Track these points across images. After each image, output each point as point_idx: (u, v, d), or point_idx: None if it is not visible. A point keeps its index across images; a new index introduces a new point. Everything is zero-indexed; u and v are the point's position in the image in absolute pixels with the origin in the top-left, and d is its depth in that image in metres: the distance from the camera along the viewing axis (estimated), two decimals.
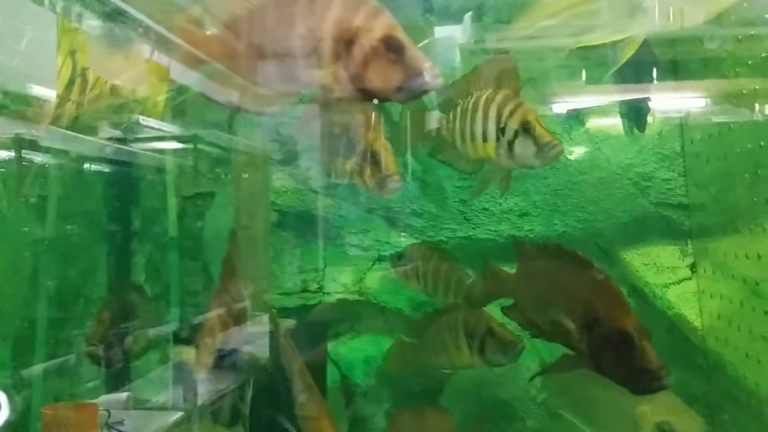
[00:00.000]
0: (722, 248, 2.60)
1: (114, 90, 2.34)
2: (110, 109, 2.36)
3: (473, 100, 1.93)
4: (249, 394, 2.50)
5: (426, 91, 1.39)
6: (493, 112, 1.82)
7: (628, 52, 1.81)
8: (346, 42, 1.40)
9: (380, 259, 2.98)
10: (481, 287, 2.38)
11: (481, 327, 2.33)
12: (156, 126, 2.49)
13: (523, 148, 1.74)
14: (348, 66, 1.40)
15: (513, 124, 1.76)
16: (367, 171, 1.94)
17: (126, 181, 2.93)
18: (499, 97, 1.85)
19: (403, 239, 2.95)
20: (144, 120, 2.42)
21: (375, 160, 1.95)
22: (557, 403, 2.64)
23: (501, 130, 1.79)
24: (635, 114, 2.79)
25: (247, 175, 2.91)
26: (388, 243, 2.97)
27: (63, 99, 2.10)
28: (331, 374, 2.93)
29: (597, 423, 2.35)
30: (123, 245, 2.98)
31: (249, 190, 2.89)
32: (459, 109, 2.02)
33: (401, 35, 1.40)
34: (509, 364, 2.38)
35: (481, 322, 2.34)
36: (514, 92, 1.85)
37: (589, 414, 2.41)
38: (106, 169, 2.78)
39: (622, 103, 2.88)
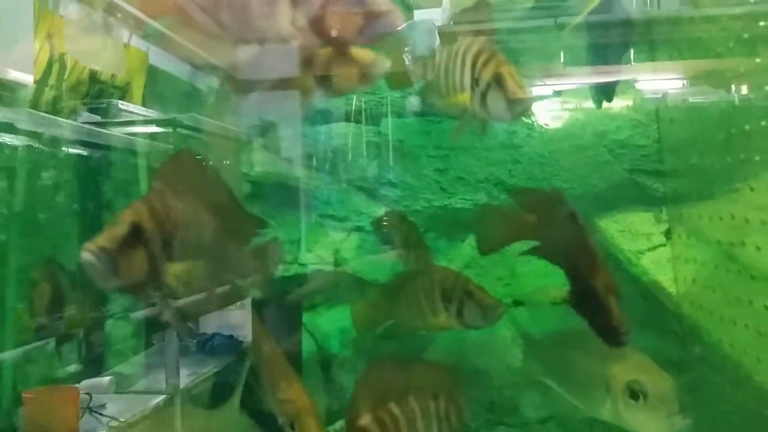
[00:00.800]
0: (697, 213, 2.60)
1: (93, 75, 2.35)
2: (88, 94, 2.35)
3: (455, 46, 1.89)
4: (243, 372, 2.46)
5: (387, 34, 1.37)
6: (468, 62, 1.80)
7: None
8: None
9: (356, 229, 2.96)
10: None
11: (458, 289, 2.29)
12: (134, 110, 2.47)
13: (494, 101, 1.72)
14: (307, 11, 1.37)
15: (486, 76, 1.73)
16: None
17: (103, 164, 2.89)
18: (475, 48, 1.82)
19: (379, 209, 2.93)
20: (123, 104, 2.41)
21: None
22: (537, 370, 2.63)
23: (475, 81, 1.76)
24: (603, 85, 2.79)
25: (227, 162, 2.89)
26: (363, 213, 2.95)
27: (41, 84, 2.09)
28: (307, 345, 2.91)
29: (573, 387, 2.35)
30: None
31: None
32: (445, 53, 1.99)
33: None
34: (488, 326, 2.35)
35: (459, 284, 2.31)
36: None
37: (566, 379, 2.41)
38: (83, 151, 2.73)
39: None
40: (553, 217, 2.15)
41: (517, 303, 2.89)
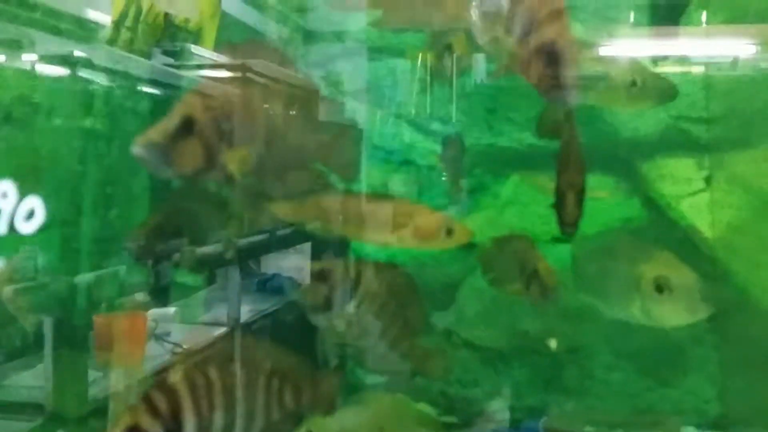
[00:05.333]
0: (738, 160, 2.67)
1: (167, 18, 2.43)
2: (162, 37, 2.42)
3: None
4: None
5: None
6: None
7: None
8: None
9: (406, 162, 3.11)
10: None
11: (529, 264, 2.36)
12: (206, 54, 2.54)
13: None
14: None
15: None
16: None
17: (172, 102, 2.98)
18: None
19: (428, 144, 3.07)
20: (195, 48, 2.48)
21: None
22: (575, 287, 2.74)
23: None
24: None
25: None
26: (414, 147, 3.09)
27: (118, 24, 2.19)
28: None
29: (609, 297, 2.44)
30: None
31: None
32: None
33: None
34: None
35: (530, 259, 2.38)
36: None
37: (602, 291, 2.50)
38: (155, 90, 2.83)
39: None
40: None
41: (557, 240, 3.01)
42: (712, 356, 2.90)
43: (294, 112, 1.84)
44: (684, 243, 2.91)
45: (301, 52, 3.08)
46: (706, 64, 2.88)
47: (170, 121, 1.51)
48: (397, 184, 3.10)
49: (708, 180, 2.89)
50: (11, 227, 1.64)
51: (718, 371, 2.89)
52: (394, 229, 2.24)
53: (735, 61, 2.68)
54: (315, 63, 3.09)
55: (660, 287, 2.14)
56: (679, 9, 2.78)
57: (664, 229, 2.93)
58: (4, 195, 1.62)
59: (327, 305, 2.07)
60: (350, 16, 3.06)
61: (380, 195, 2.58)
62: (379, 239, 2.29)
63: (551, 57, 1.52)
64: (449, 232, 2.22)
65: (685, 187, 2.90)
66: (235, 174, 1.59)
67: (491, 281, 2.69)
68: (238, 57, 1.82)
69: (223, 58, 2.57)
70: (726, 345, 2.85)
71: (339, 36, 3.08)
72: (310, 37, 3.09)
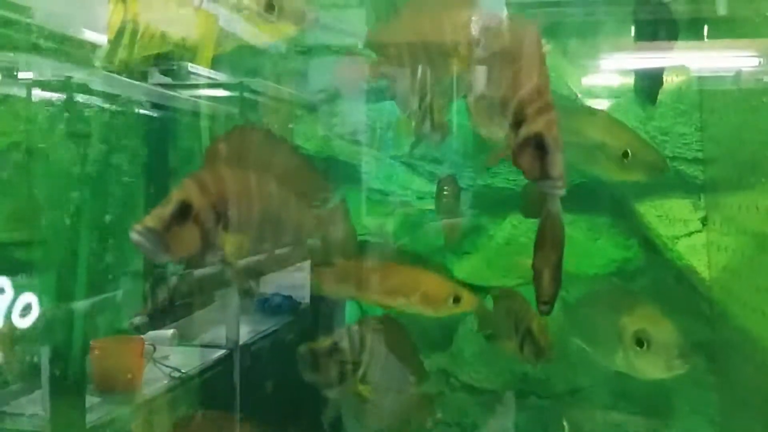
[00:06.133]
0: (733, 202, 2.68)
1: (164, 37, 2.39)
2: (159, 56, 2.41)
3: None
4: None
5: None
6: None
7: None
8: None
9: (402, 204, 3.10)
10: None
11: (523, 323, 2.41)
12: (203, 73, 2.55)
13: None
14: None
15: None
16: None
17: (170, 125, 2.98)
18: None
19: (424, 185, 3.07)
20: (192, 67, 2.48)
21: None
22: (568, 331, 2.74)
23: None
24: (648, 87, 2.86)
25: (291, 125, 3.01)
26: (409, 189, 3.09)
27: (114, 44, 2.19)
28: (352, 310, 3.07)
29: (596, 343, 2.53)
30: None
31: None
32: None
33: None
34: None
35: (526, 318, 2.41)
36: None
37: (590, 337, 2.59)
38: (152, 113, 2.79)
39: (636, 76, 2.93)
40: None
41: None
42: (711, 398, 2.89)
43: (289, 191, 1.87)
44: (681, 283, 2.91)
45: (298, 66, 3.08)
46: (701, 105, 2.90)
47: (167, 207, 1.54)
48: (393, 225, 3.09)
49: (704, 221, 2.90)
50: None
51: (717, 413, 2.88)
52: (402, 296, 2.29)
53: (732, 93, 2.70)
54: (311, 104, 3.10)
55: (641, 341, 2.18)
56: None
57: (661, 270, 2.93)
58: (2, 291, 1.61)
59: (341, 378, 2.11)
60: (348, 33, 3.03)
61: (389, 261, 2.62)
62: (387, 304, 2.33)
63: (540, 150, 1.59)
64: (456, 299, 2.27)
65: (682, 228, 2.90)
66: (231, 259, 1.62)
67: (487, 338, 2.70)
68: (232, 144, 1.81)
69: (220, 76, 2.61)
70: (725, 387, 2.83)
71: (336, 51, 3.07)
72: (307, 52, 3.09)
